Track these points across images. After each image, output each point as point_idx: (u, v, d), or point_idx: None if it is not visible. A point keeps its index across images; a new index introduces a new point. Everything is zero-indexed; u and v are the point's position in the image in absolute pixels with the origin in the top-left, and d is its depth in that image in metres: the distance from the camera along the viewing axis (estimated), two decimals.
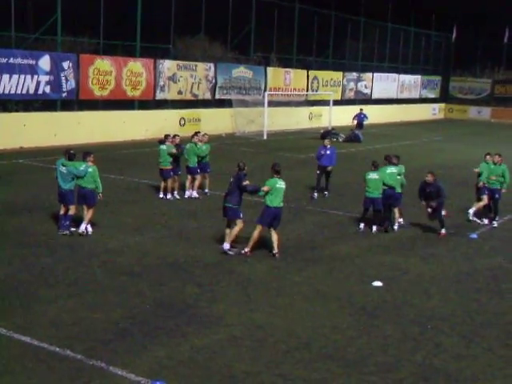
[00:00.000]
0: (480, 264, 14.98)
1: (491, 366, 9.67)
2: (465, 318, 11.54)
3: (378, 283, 13.06)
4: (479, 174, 18.54)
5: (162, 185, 19.82)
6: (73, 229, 15.43)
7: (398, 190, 17.12)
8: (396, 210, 17.33)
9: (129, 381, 8.61)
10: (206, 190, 20.87)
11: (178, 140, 19.86)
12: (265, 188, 14.11)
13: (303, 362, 9.44)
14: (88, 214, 15.42)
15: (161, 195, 19.78)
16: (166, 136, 19.90)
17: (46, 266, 13.09)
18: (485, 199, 18.57)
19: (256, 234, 14.22)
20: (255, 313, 11.23)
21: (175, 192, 19.97)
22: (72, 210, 15.39)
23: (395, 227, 17.29)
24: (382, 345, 10.19)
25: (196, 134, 20.58)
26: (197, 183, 20.28)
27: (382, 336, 10.54)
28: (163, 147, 19.52)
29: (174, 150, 19.40)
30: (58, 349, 9.37)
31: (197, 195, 20.26)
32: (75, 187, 15.43)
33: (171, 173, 19.55)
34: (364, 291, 12.69)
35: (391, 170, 17.09)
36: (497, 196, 18.42)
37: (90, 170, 15.23)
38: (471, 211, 18.72)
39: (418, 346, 10.21)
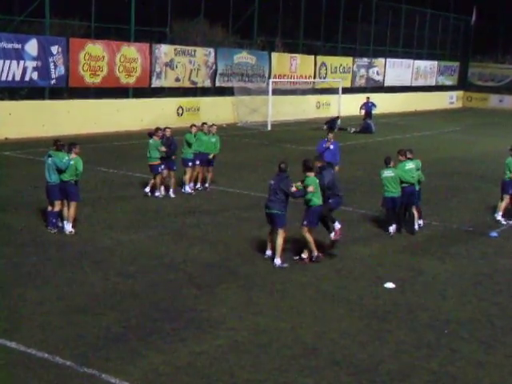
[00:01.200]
0: (501, 264, 14.99)
1: None
2: (484, 323, 11.55)
3: (390, 285, 13.07)
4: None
5: (151, 181, 19.48)
6: (60, 225, 15.47)
7: (417, 186, 16.93)
8: (415, 210, 16.98)
9: None
10: (207, 185, 20.89)
11: (168, 133, 19.45)
12: (310, 188, 13.66)
13: (310, 369, 9.46)
14: (70, 210, 15.36)
15: (146, 190, 19.39)
16: (157, 129, 19.43)
17: (34, 265, 13.12)
18: (506, 198, 18.31)
19: (309, 236, 13.88)
20: (258, 316, 11.25)
21: (170, 189, 19.61)
22: (57, 206, 15.39)
23: (416, 227, 16.93)
24: (395, 351, 10.21)
25: (193, 125, 20.43)
26: (187, 176, 20.13)
27: (394, 342, 10.56)
28: (150, 141, 19.23)
29: (163, 149, 19.10)
30: (46, 355, 9.40)
31: (189, 190, 20.19)
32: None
33: (159, 168, 19.15)
34: (375, 293, 12.70)
35: (409, 165, 16.76)
36: None
37: (71, 162, 15.16)
38: (499, 216, 18.46)
39: (434, 353, 10.22)
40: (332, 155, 20.30)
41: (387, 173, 16.49)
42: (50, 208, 15.52)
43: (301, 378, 9.18)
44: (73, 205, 15.35)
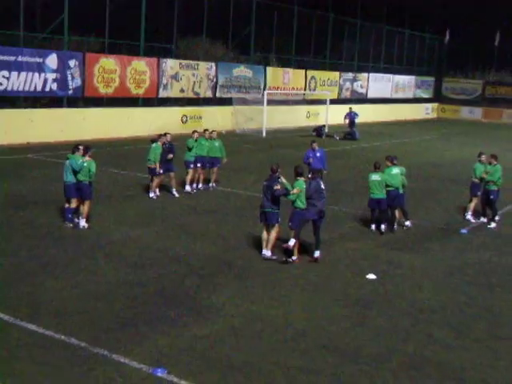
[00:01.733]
0: (470, 258, 15.00)
1: (480, 356, 9.70)
2: (455, 311, 11.56)
3: (371, 276, 13.07)
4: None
5: (154, 183, 19.11)
6: (76, 220, 15.45)
7: (401, 190, 16.70)
8: (397, 211, 16.81)
9: (131, 368, 8.62)
10: (210, 185, 20.88)
11: (169, 138, 19.30)
12: (295, 190, 13.36)
13: (299, 351, 9.46)
14: (84, 207, 15.36)
15: (151, 195, 19.08)
16: (160, 136, 19.23)
17: (52, 257, 13.10)
18: (474, 199, 18.34)
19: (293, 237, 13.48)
20: (253, 304, 11.25)
21: (173, 189, 19.40)
22: (73, 204, 15.39)
23: (395, 227, 16.76)
24: (375, 335, 10.21)
25: (194, 131, 20.42)
26: (188, 177, 20.12)
27: (375, 327, 10.56)
28: (153, 145, 18.84)
29: (170, 156, 18.97)
30: (63, 337, 9.39)
31: (189, 189, 20.13)
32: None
33: (157, 171, 18.78)
34: (358, 284, 12.71)
35: (395, 170, 16.62)
36: (492, 197, 17.91)
37: (85, 164, 15.16)
38: (468, 215, 18.47)
39: (410, 337, 10.23)
40: (320, 162, 20.14)
41: (374, 177, 16.29)
42: (66, 205, 15.53)
43: (291, 359, 9.17)
44: (86, 203, 15.35)
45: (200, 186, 20.61)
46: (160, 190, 19.41)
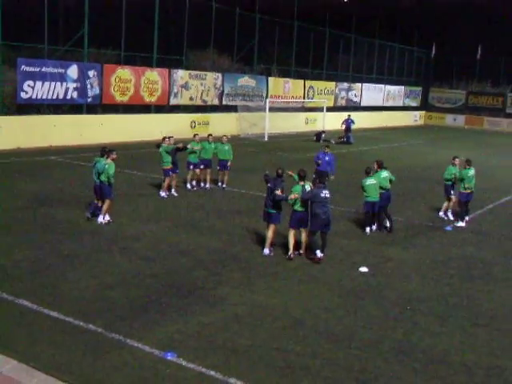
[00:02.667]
0: (454, 253, 14.98)
1: (462, 342, 9.70)
2: (440, 300, 11.56)
3: (364, 269, 13.07)
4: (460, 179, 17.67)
5: (166, 183, 19.10)
6: (88, 215, 15.61)
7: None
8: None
9: (144, 352, 8.63)
10: (224, 185, 20.94)
11: (172, 141, 19.23)
12: (292, 196, 13.14)
13: (297, 337, 9.46)
14: (104, 205, 15.41)
15: (163, 194, 19.05)
16: (164, 138, 19.25)
17: (72, 250, 13.11)
18: (452, 198, 18.09)
19: (291, 237, 13.37)
20: (255, 294, 11.24)
21: (172, 189, 19.37)
22: (100, 202, 15.61)
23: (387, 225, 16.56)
24: (367, 323, 10.21)
25: (195, 134, 20.70)
26: (189, 177, 20.35)
27: (366, 315, 10.56)
28: (161, 148, 18.85)
29: (180, 145, 19.11)
30: (81, 323, 9.40)
31: (189, 187, 20.36)
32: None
33: (170, 172, 18.91)
34: (352, 276, 12.70)
35: (384, 174, 16.29)
36: (465, 199, 17.60)
37: (106, 166, 15.25)
38: (449, 214, 18.28)
39: (398, 325, 10.22)
40: (328, 165, 20.15)
41: (370, 181, 15.85)
42: (95, 201, 15.71)
43: (290, 344, 9.18)
44: (105, 201, 15.38)
45: (208, 185, 20.65)
46: (169, 189, 19.45)
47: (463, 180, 17.51)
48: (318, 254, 13.46)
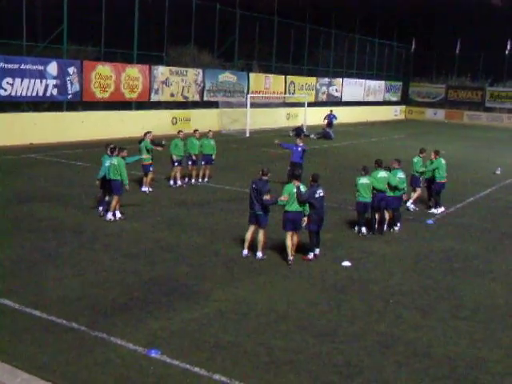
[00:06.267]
0: (435, 246, 15.08)
1: (444, 334, 9.77)
2: (422, 293, 11.63)
3: (347, 263, 13.10)
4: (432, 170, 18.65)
5: (149, 177, 19.08)
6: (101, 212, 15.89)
7: (390, 193, 15.73)
8: (387, 213, 15.93)
9: (127, 349, 8.59)
10: (206, 179, 21.02)
11: (151, 136, 19.22)
12: (282, 198, 12.64)
13: (281, 332, 9.46)
14: (112, 202, 15.53)
15: (144, 189, 19.12)
16: (145, 134, 19.26)
17: (54, 248, 13.01)
18: (418, 190, 18.84)
19: (288, 240, 12.78)
20: (239, 290, 11.24)
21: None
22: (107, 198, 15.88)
23: (396, 228, 16.18)
24: (350, 317, 10.24)
25: (180, 131, 20.83)
26: (178, 174, 20.36)
27: (350, 309, 10.59)
28: (142, 144, 18.92)
29: (161, 147, 19.36)
30: (64, 321, 9.34)
31: (179, 183, 20.42)
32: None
33: (150, 168, 18.87)
34: (335, 270, 12.73)
35: (381, 174, 15.62)
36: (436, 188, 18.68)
37: (116, 163, 15.34)
38: (409, 203, 18.62)
39: (382, 318, 10.27)
40: (298, 156, 20.15)
41: (363, 180, 15.21)
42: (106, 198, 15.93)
43: (274, 340, 9.18)
44: (113, 197, 15.59)
45: (193, 181, 20.80)
46: (151, 185, 19.43)
47: (437, 169, 18.39)
48: (311, 255, 13.32)
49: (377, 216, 15.81)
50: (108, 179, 15.48)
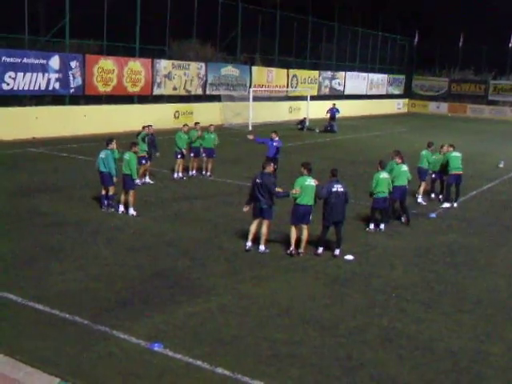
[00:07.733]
0: (438, 240, 15.06)
1: (447, 328, 9.76)
2: (424, 287, 11.62)
3: (349, 257, 13.10)
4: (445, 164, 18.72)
5: (142, 170, 18.95)
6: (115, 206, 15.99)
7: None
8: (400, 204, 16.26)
9: (130, 343, 8.60)
10: (209, 173, 21.10)
11: (151, 130, 19.42)
12: (294, 191, 12.66)
13: (284, 326, 9.47)
14: (130, 198, 15.56)
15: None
16: (143, 127, 19.43)
17: (56, 242, 13.03)
18: (424, 183, 18.94)
19: (293, 233, 12.92)
20: (241, 284, 11.24)
21: (146, 177, 19.54)
22: (110, 191, 15.87)
23: (403, 219, 16.31)
24: (353, 311, 10.24)
25: (185, 125, 20.98)
26: (180, 167, 20.52)
27: (352, 303, 10.59)
28: (139, 136, 19.07)
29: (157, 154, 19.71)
30: (67, 315, 9.35)
31: (175, 176, 20.55)
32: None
33: (143, 160, 18.82)
34: (337, 264, 12.72)
35: (404, 168, 15.86)
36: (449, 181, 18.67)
37: (127, 158, 15.47)
38: (419, 198, 18.82)
39: (384, 312, 10.27)
40: (273, 151, 19.86)
41: (383, 175, 15.02)
42: (111, 193, 15.96)
43: (276, 333, 9.18)
44: (129, 193, 15.65)
45: (190, 173, 20.93)
46: (151, 177, 19.55)
47: (448, 163, 18.46)
48: (320, 249, 13.23)
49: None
50: (100, 171, 15.61)
